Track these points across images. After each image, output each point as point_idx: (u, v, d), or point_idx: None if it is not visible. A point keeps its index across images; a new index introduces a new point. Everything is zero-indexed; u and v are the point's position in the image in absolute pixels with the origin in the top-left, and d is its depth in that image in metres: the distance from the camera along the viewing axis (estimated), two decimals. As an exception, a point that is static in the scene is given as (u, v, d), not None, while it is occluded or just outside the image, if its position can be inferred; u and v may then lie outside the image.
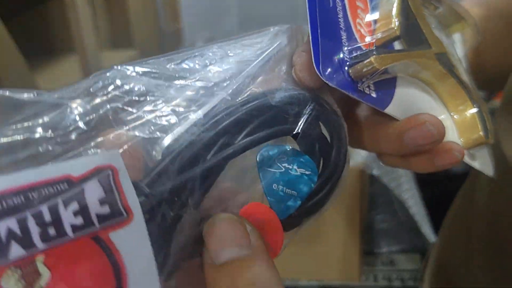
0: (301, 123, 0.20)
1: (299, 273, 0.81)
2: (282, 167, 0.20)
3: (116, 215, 0.14)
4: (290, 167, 0.20)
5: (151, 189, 0.15)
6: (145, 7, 1.24)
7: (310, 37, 0.21)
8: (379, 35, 0.23)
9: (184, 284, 0.18)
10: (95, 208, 0.13)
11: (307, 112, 0.21)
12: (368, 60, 0.21)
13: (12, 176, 0.12)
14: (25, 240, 0.12)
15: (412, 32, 0.24)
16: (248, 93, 0.21)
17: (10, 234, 0.12)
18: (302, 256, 0.80)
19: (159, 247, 0.15)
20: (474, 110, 0.25)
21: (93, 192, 0.13)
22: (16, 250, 0.12)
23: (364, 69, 0.21)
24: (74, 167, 0.13)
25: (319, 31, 0.22)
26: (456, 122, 0.25)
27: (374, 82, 0.22)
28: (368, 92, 0.22)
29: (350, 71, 0.22)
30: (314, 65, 0.21)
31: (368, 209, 0.77)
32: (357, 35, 0.23)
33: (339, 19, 0.23)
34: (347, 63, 0.22)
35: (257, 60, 0.22)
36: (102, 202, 0.14)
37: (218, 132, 0.19)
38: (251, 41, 0.23)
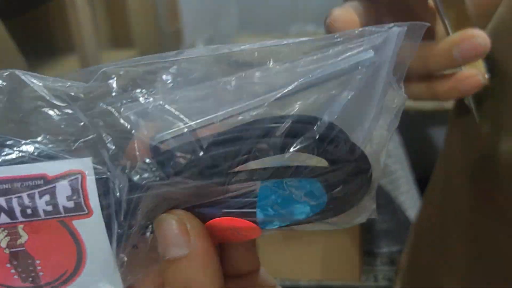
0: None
1: (299, 273, 0.81)
2: (287, 190, 0.19)
3: (79, 210, 0.18)
4: (297, 192, 0.19)
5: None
6: (145, 7, 1.24)
7: None
8: None
9: (135, 258, 0.20)
10: (62, 202, 0.18)
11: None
12: None
13: (4, 168, 0.17)
14: (10, 213, 0.17)
15: None
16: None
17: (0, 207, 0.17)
18: (302, 257, 0.80)
19: (118, 234, 0.18)
20: None
21: (62, 190, 0.18)
22: (3, 218, 0.17)
23: None
24: (50, 168, 0.18)
25: None
26: None
27: None
28: None
29: None
30: None
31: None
32: None
33: None
34: None
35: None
36: (69, 199, 0.18)
37: (214, 156, 0.18)
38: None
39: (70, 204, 0.18)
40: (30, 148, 0.18)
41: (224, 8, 1.38)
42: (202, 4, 1.38)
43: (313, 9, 1.31)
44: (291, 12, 1.34)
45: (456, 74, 0.28)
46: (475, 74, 0.28)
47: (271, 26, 1.24)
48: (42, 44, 1.00)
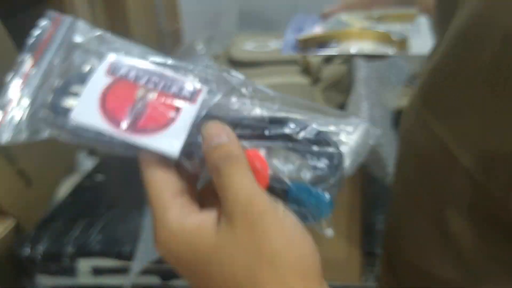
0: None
1: (299, 273, 0.80)
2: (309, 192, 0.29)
3: (191, 99, 0.31)
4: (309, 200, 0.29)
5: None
6: (144, 7, 1.24)
7: None
8: None
9: (208, 194, 0.30)
10: (185, 93, 0.31)
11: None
12: None
13: (160, 68, 0.33)
14: (155, 84, 0.32)
15: None
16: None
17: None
18: (302, 257, 0.79)
19: (194, 122, 0.30)
20: None
21: (186, 87, 0.32)
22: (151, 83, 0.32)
23: None
24: (187, 78, 0.33)
25: None
26: None
27: None
28: None
29: None
30: None
31: (368, 209, 0.77)
32: None
33: None
34: None
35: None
36: (188, 92, 0.32)
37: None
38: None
39: (188, 94, 0.31)
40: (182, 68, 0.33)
41: (224, 8, 1.38)
42: (202, 4, 1.38)
43: (313, 9, 1.31)
44: (291, 12, 1.34)
45: None
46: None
47: (271, 25, 1.24)
48: (41, 44, 0.99)
